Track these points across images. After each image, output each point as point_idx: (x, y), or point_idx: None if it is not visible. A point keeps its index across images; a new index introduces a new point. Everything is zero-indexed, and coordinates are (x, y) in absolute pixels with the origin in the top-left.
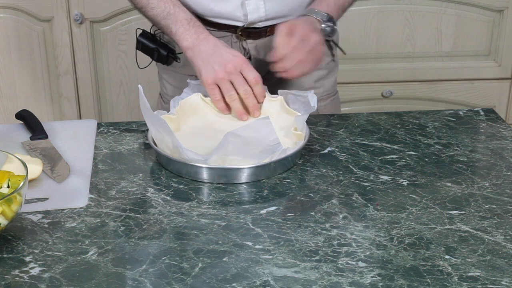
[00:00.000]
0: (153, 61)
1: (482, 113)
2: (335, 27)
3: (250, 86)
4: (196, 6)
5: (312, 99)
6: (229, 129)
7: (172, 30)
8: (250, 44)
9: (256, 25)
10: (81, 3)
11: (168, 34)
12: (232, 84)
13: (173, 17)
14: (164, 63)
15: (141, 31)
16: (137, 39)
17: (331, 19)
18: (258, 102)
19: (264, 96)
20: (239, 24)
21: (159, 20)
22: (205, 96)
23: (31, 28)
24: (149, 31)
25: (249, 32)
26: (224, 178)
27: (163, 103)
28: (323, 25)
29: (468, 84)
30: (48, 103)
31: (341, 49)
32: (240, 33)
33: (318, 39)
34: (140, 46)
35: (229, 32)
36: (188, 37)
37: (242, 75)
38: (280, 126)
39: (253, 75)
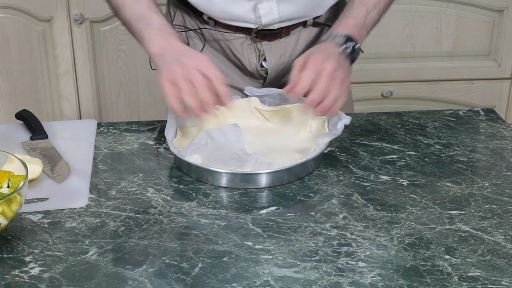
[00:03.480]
0: None
1: (482, 113)
2: (356, 47)
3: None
4: (210, 9)
5: (340, 122)
6: (261, 145)
7: (143, 34)
8: (265, 45)
9: (271, 27)
10: (81, 3)
11: (139, 40)
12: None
13: (146, 20)
14: None
15: None
16: None
17: (350, 39)
18: (222, 104)
19: (228, 96)
20: (253, 26)
21: (132, 23)
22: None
23: (31, 28)
24: None
25: (264, 33)
26: (245, 183)
27: None
28: (341, 48)
29: (468, 84)
30: (48, 103)
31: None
32: (254, 35)
33: (333, 66)
34: None
35: (243, 34)
36: (157, 43)
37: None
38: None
39: (215, 73)
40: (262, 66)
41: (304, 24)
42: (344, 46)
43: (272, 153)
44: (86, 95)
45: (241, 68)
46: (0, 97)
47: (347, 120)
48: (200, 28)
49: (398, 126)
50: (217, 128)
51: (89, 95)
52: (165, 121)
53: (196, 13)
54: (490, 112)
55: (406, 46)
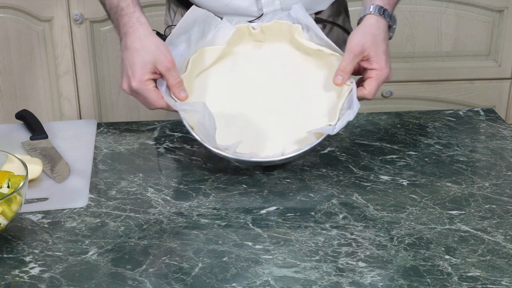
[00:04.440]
0: None
1: (482, 113)
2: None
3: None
4: (212, 4)
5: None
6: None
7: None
8: None
9: None
10: (81, 3)
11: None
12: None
13: (114, 9)
14: None
15: (154, 32)
16: None
17: (392, 16)
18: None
19: (180, 83)
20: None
21: (108, 12)
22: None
23: (31, 28)
24: (163, 33)
25: None
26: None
27: None
28: (391, 30)
29: (468, 84)
30: (48, 103)
31: None
32: None
33: (390, 71)
34: None
35: None
36: (119, 31)
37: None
38: (326, 108)
39: (167, 64)
40: None
41: None
42: (393, 26)
43: (263, 143)
44: (86, 95)
45: None
46: (0, 97)
47: (355, 108)
48: None
49: (398, 126)
50: (199, 102)
51: (89, 95)
52: (165, 121)
53: None
54: (490, 112)
55: (406, 46)
